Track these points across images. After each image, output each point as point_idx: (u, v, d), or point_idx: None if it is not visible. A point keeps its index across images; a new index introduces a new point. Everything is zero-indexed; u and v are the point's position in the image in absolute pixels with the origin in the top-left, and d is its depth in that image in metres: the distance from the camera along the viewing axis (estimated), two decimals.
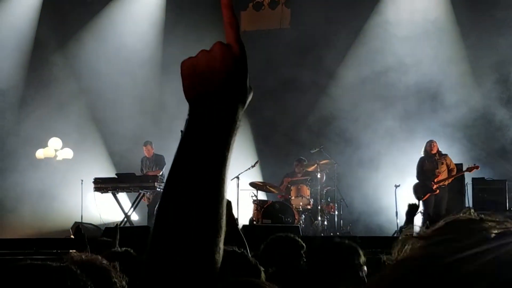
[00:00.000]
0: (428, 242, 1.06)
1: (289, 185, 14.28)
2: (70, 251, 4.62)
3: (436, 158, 12.84)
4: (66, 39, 16.88)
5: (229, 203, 3.48)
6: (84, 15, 17.08)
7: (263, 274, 3.22)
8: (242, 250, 3.34)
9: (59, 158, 16.34)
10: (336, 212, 14.15)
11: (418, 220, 12.48)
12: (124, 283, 2.45)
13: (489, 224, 1.03)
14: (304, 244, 4.34)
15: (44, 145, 16.21)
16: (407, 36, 15.29)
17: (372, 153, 14.88)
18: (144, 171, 14.55)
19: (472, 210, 1.12)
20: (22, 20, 16.93)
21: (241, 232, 4.03)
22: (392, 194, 13.43)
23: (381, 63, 15.22)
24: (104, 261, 2.48)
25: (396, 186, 13.29)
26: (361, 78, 15.57)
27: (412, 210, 5.54)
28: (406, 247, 1.12)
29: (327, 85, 15.85)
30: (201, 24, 15.68)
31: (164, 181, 13.79)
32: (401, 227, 12.53)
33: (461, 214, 1.09)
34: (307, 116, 15.83)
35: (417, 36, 15.35)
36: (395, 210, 13.30)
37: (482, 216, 1.06)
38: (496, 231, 1.01)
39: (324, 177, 14.32)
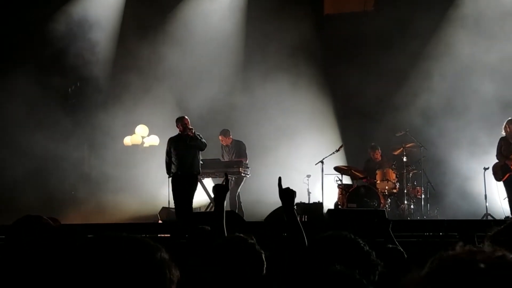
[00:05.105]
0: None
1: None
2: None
3: None
4: (150, 28, 17.13)
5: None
6: (169, 2, 17.32)
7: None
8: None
9: (146, 144, 16.68)
10: (423, 196, 13.97)
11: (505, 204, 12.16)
12: None
13: None
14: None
15: (131, 132, 16.57)
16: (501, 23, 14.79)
17: (459, 135, 14.54)
18: (225, 158, 14.60)
19: None
20: (107, 10, 17.28)
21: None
22: (481, 176, 13.10)
23: (469, 49, 14.79)
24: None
25: (485, 169, 12.91)
26: (447, 67, 15.20)
27: None
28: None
29: (411, 69, 15.57)
30: (283, 14, 15.68)
31: (248, 167, 13.89)
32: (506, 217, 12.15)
33: None
34: (392, 99, 15.57)
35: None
36: (483, 193, 13.00)
37: None
38: None
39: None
